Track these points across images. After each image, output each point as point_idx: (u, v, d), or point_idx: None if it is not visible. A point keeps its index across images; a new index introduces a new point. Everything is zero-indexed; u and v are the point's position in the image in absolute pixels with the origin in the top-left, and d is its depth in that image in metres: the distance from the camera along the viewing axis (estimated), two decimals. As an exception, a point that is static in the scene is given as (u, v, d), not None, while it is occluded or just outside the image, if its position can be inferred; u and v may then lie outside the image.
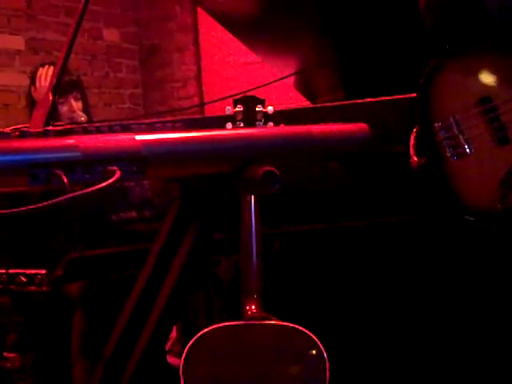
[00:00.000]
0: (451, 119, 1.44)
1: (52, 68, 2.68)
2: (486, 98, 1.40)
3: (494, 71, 1.42)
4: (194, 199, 1.27)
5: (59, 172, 0.92)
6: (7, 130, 1.03)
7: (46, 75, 2.70)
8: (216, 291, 2.38)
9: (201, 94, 4.62)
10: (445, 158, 1.46)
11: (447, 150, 1.45)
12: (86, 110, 2.75)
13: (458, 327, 1.88)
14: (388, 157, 1.63)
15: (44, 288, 1.43)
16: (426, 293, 1.92)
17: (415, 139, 1.51)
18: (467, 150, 1.43)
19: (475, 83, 1.43)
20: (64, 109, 2.65)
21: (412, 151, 1.51)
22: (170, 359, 2.59)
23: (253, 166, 1.13)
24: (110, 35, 4.66)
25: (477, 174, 1.44)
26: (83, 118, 2.62)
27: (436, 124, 1.46)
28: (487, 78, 1.42)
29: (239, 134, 1.20)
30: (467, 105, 1.42)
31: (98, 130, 1.05)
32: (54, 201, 0.87)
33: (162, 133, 1.10)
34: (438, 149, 1.47)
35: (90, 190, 0.91)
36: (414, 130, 1.52)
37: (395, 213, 1.68)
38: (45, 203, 0.87)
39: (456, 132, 1.43)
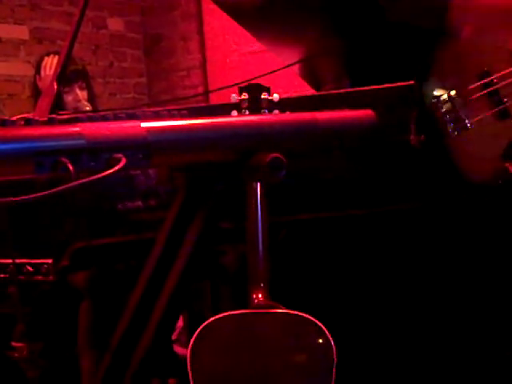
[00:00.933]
0: (451, 94, 1.44)
1: (57, 57, 2.68)
2: (485, 72, 1.40)
3: (492, 44, 1.41)
4: (200, 187, 1.27)
5: (65, 160, 0.91)
6: (13, 118, 1.03)
7: (50, 64, 2.70)
8: (222, 281, 2.37)
9: (205, 83, 4.61)
10: (445, 134, 1.45)
11: (448, 125, 1.45)
12: (91, 99, 2.75)
13: (464, 318, 1.88)
14: (394, 144, 1.62)
15: (50, 277, 1.43)
16: (434, 282, 1.92)
17: (416, 116, 1.51)
18: (468, 125, 1.42)
19: (474, 57, 1.42)
20: (69, 98, 2.65)
21: (412, 129, 1.50)
22: (177, 349, 2.59)
23: (259, 153, 1.13)
24: (115, 24, 4.65)
25: (478, 148, 1.44)
26: (88, 108, 2.63)
27: (436, 99, 1.46)
28: (485, 51, 1.42)
29: (245, 121, 1.19)
30: (466, 79, 1.42)
31: (103, 118, 1.05)
32: (59, 188, 0.86)
33: (167, 120, 1.09)
34: (438, 124, 1.46)
35: (95, 177, 0.91)
36: (415, 109, 1.51)
37: (402, 201, 1.67)
38: (50, 191, 0.87)
39: (456, 107, 1.43)
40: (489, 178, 1.41)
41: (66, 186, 0.87)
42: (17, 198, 0.86)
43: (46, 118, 1.06)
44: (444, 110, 1.46)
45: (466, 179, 1.45)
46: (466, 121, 1.43)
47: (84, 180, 0.90)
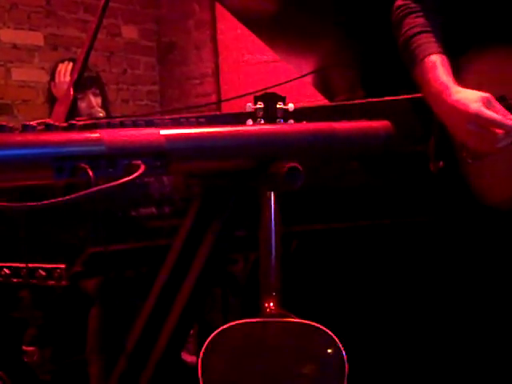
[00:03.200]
0: None
1: (71, 64, 2.70)
2: (501, 96, 1.39)
3: (508, 68, 1.40)
4: (216, 196, 1.27)
5: (84, 165, 0.92)
6: (33, 123, 1.03)
7: (65, 71, 2.71)
8: (232, 290, 2.37)
9: (218, 91, 4.62)
10: (462, 160, 1.45)
11: (464, 151, 1.44)
12: (104, 106, 2.76)
13: (474, 326, 1.87)
14: (408, 156, 1.62)
15: (63, 282, 1.43)
16: (444, 292, 1.91)
17: (434, 143, 1.51)
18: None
19: (489, 82, 1.42)
20: (83, 104, 2.66)
21: (431, 155, 1.50)
22: (185, 356, 2.59)
23: (277, 162, 1.13)
24: (129, 32, 4.67)
25: (494, 173, 1.43)
26: (101, 114, 2.63)
27: None
28: (502, 76, 1.41)
29: (264, 129, 1.20)
30: None
31: (123, 125, 1.05)
32: (80, 193, 0.87)
33: (186, 128, 1.10)
34: (455, 151, 1.46)
35: (115, 183, 0.91)
36: (432, 135, 1.51)
37: (415, 213, 1.67)
38: (71, 196, 0.87)
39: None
40: (505, 203, 1.41)
41: (87, 191, 0.88)
42: (37, 203, 0.87)
43: (65, 124, 1.07)
44: None
45: (481, 202, 1.45)
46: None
47: (105, 186, 0.90)
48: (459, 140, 1.41)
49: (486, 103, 1.34)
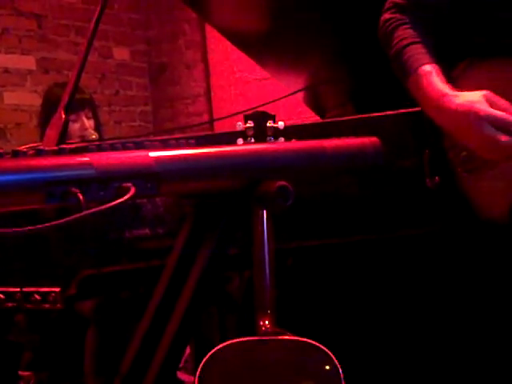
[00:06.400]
0: None
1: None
2: None
3: (499, 84, 1.40)
4: (208, 215, 1.28)
5: (75, 189, 0.92)
6: (22, 148, 1.04)
7: None
8: (228, 308, 2.37)
9: (210, 110, 4.65)
10: (458, 174, 1.45)
11: (459, 166, 1.44)
12: (97, 128, 2.76)
13: (476, 343, 1.87)
14: (398, 171, 1.62)
15: (58, 305, 1.43)
16: (441, 307, 1.91)
17: (428, 159, 1.51)
18: (479, 166, 1.41)
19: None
20: (75, 126, 2.66)
21: (426, 170, 1.50)
22: (183, 376, 2.58)
23: (267, 181, 1.13)
24: (120, 54, 4.70)
25: (490, 187, 1.43)
26: (94, 136, 2.63)
27: (447, 142, 1.46)
28: (500, 87, 1.40)
29: (253, 149, 1.20)
30: None
31: (112, 148, 1.06)
32: (70, 218, 0.87)
33: (175, 149, 1.10)
34: (450, 166, 1.46)
35: (105, 206, 0.92)
36: (426, 150, 1.51)
37: (407, 227, 1.67)
38: (61, 220, 0.88)
39: (466, 147, 1.41)
40: (502, 217, 1.40)
41: (77, 215, 0.88)
42: (29, 228, 0.87)
43: (55, 148, 1.07)
44: (455, 151, 1.45)
45: (478, 216, 1.44)
46: (477, 162, 1.40)
47: (94, 209, 0.91)
48: (471, 146, 1.36)
49: (490, 102, 1.31)
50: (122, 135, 4.37)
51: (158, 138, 1.45)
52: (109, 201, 0.97)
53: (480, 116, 1.30)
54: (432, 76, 1.39)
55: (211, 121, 4.41)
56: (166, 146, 1.11)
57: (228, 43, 2.57)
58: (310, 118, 2.81)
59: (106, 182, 0.98)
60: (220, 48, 4.46)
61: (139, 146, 1.11)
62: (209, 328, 2.39)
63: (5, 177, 0.92)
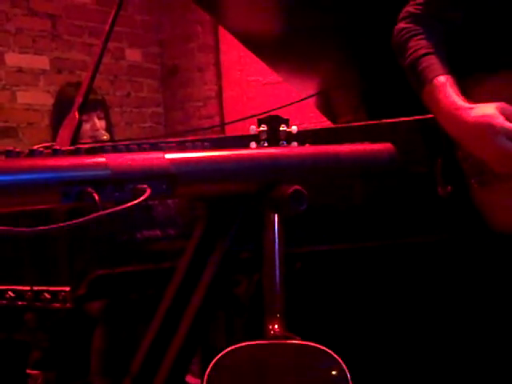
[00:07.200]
0: None
1: None
2: None
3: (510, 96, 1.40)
4: (221, 218, 1.28)
5: (90, 190, 0.93)
6: (36, 147, 1.04)
7: None
8: (236, 311, 2.37)
9: (221, 113, 4.65)
10: (470, 186, 1.44)
11: (472, 178, 1.44)
12: (108, 128, 2.77)
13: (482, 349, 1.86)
14: (411, 177, 1.62)
15: (68, 305, 1.43)
16: (449, 314, 1.91)
17: (441, 168, 1.50)
18: (491, 179, 1.41)
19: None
20: (87, 127, 2.67)
21: (438, 179, 1.50)
22: (190, 379, 2.58)
23: (281, 185, 1.14)
24: (133, 55, 4.72)
25: (502, 201, 1.42)
26: (106, 137, 2.64)
27: (460, 153, 1.45)
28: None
29: (268, 153, 1.20)
30: None
31: (128, 149, 1.06)
32: (87, 218, 0.88)
33: (190, 151, 1.11)
34: (463, 177, 1.45)
35: (121, 207, 0.92)
36: (439, 159, 1.51)
37: (418, 233, 1.67)
38: (78, 220, 0.88)
39: (479, 160, 1.40)
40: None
41: (93, 215, 0.88)
42: (43, 228, 0.88)
43: (71, 148, 1.08)
44: (468, 162, 1.45)
45: (490, 228, 1.44)
46: (490, 174, 1.40)
47: (110, 210, 0.91)
48: (485, 159, 1.36)
49: (505, 114, 1.32)
50: (133, 136, 4.38)
51: (171, 139, 1.45)
52: (124, 202, 0.97)
53: (495, 129, 1.31)
54: (447, 87, 1.39)
55: (223, 124, 4.41)
56: (181, 148, 1.11)
57: (240, 46, 2.58)
58: (322, 122, 2.81)
59: (122, 182, 0.98)
60: (232, 51, 4.46)
61: (155, 147, 1.11)
62: (215, 330, 2.39)
63: (21, 176, 0.92)
